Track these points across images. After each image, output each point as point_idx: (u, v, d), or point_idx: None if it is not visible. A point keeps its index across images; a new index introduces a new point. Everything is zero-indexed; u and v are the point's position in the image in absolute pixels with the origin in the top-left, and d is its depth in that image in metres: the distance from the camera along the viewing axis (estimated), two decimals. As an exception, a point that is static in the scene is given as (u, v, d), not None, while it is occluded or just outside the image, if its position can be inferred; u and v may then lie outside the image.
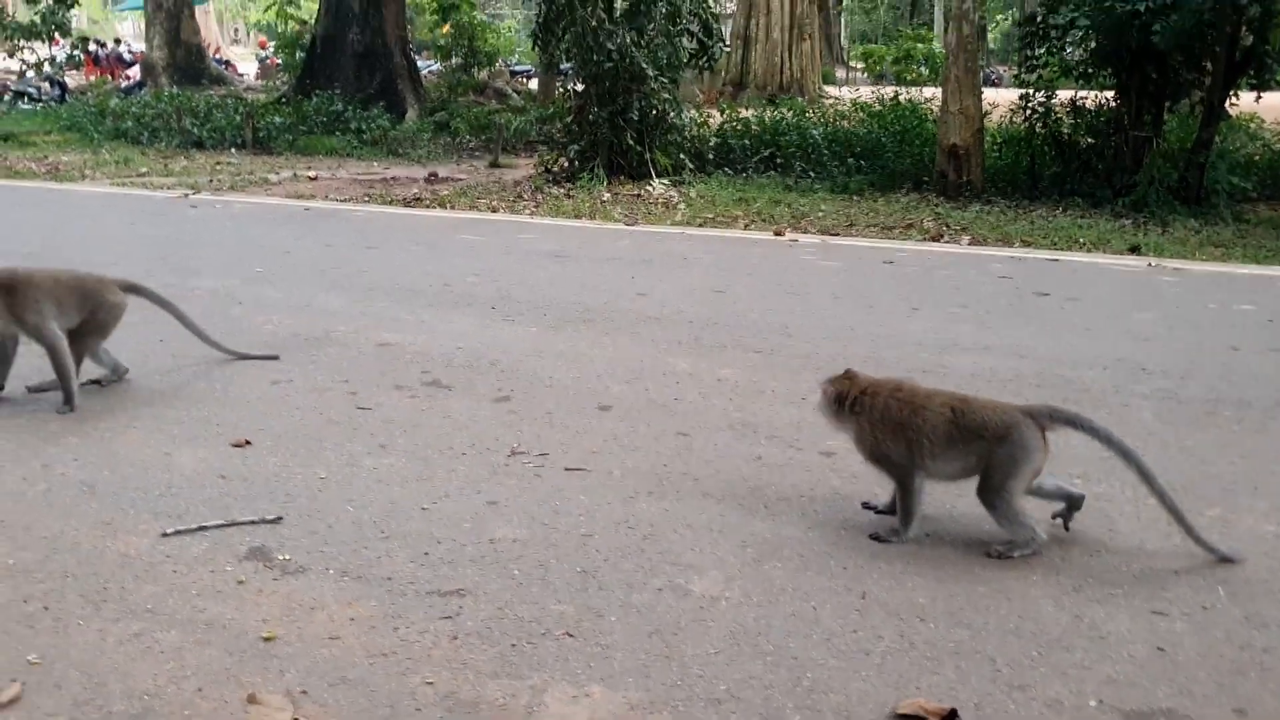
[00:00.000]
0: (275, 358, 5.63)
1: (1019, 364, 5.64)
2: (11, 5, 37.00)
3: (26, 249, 8.31)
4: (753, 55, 28.79)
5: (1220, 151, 12.27)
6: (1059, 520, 3.71)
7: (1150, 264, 8.73)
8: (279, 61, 30.80)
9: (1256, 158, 13.60)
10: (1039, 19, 13.62)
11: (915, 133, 14.83)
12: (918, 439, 3.56)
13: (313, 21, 25.24)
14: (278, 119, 19.50)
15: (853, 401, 3.70)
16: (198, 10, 33.11)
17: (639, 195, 12.91)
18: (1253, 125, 14.93)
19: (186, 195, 12.65)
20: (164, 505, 3.82)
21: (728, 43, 20.89)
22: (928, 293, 7.48)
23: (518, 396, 5.07)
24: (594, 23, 13.65)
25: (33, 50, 29.25)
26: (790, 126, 15.70)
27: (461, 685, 2.78)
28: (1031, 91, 13.23)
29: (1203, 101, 12.41)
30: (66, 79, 28.13)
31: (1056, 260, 8.90)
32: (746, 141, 15.49)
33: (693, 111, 15.90)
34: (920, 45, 34.28)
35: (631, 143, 13.95)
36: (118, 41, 41.56)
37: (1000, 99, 14.97)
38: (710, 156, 15.08)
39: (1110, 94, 12.88)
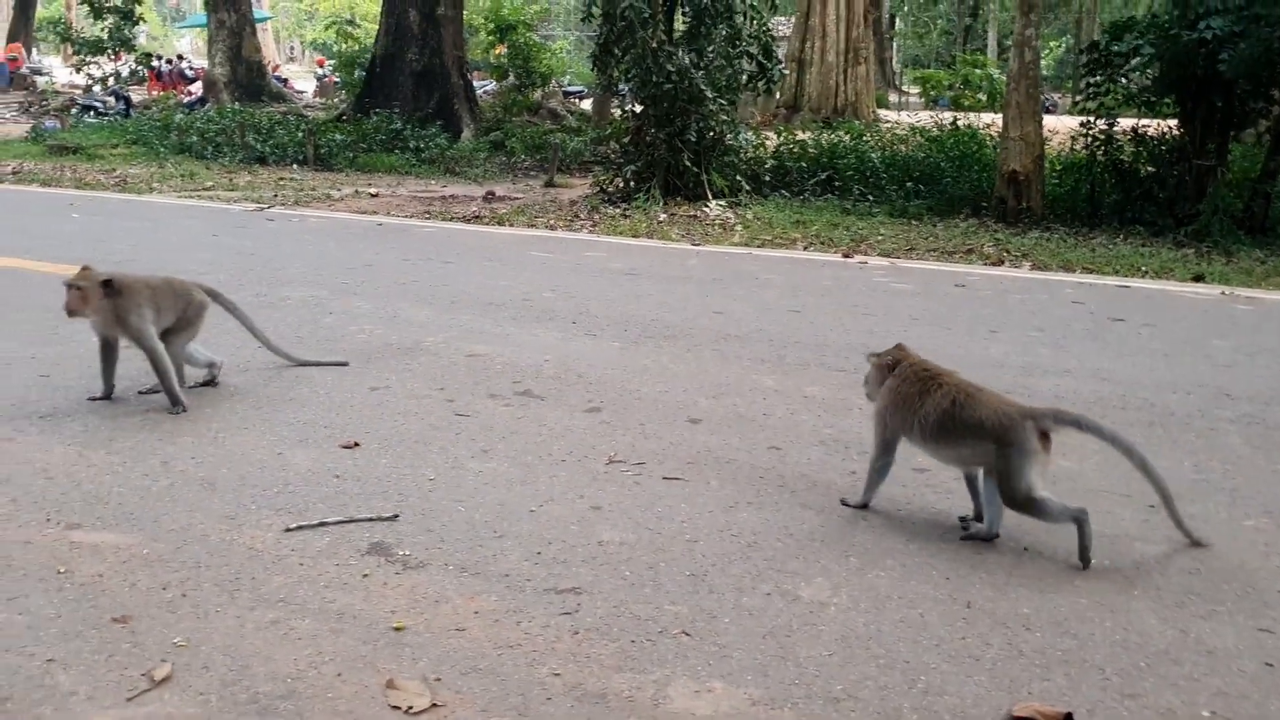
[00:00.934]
0: (344, 364, 5.81)
1: (1100, 387, 5.70)
2: (78, 21, 37.93)
3: (117, 256, 8.57)
4: (807, 78, 28.92)
5: (1288, 181, 12.23)
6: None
7: (1223, 292, 8.73)
8: (337, 80, 31.32)
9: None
10: (1101, 46, 13.65)
11: (974, 158, 14.84)
12: (913, 417, 3.80)
13: (372, 42, 25.64)
14: (338, 136, 19.83)
15: (893, 367, 3.96)
16: (257, 28, 33.74)
17: (695, 216, 13.02)
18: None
19: (262, 209, 12.94)
20: (283, 502, 3.98)
21: (785, 66, 21.03)
22: (1003, 316, 7.55)
23: (608, 408, 5.20)
24: (654, 44, 13.81)
25: (98, 65, 30.07)
26: (848, 150, 15.77)
27: (587, 677, 2.90)
28: (1092, 119, 13.25)
29: (1270, 130, 12.37)
30: (130, 94, 28.74)
31: (1127, 287, 8.92)
32: (803, 164, 15.56)
33: (749, 133, 15.99)
34: (978, 71, 34.21)
35: (688, 164, 14.05)
36: (180, 57, 42.43)
37: (1055, 126, 14.97)
38: (766, 178, 15.18)
39: (1173, 122, 12.87)
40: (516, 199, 15.14)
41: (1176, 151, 12.59)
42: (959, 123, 16.85)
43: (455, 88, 22.67)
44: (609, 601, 3.29)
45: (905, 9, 53.57)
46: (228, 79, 28.92)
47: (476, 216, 13.07)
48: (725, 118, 14.35)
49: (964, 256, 10.59)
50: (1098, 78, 13.39)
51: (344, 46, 28.94)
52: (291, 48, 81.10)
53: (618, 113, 18.41)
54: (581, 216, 13.13)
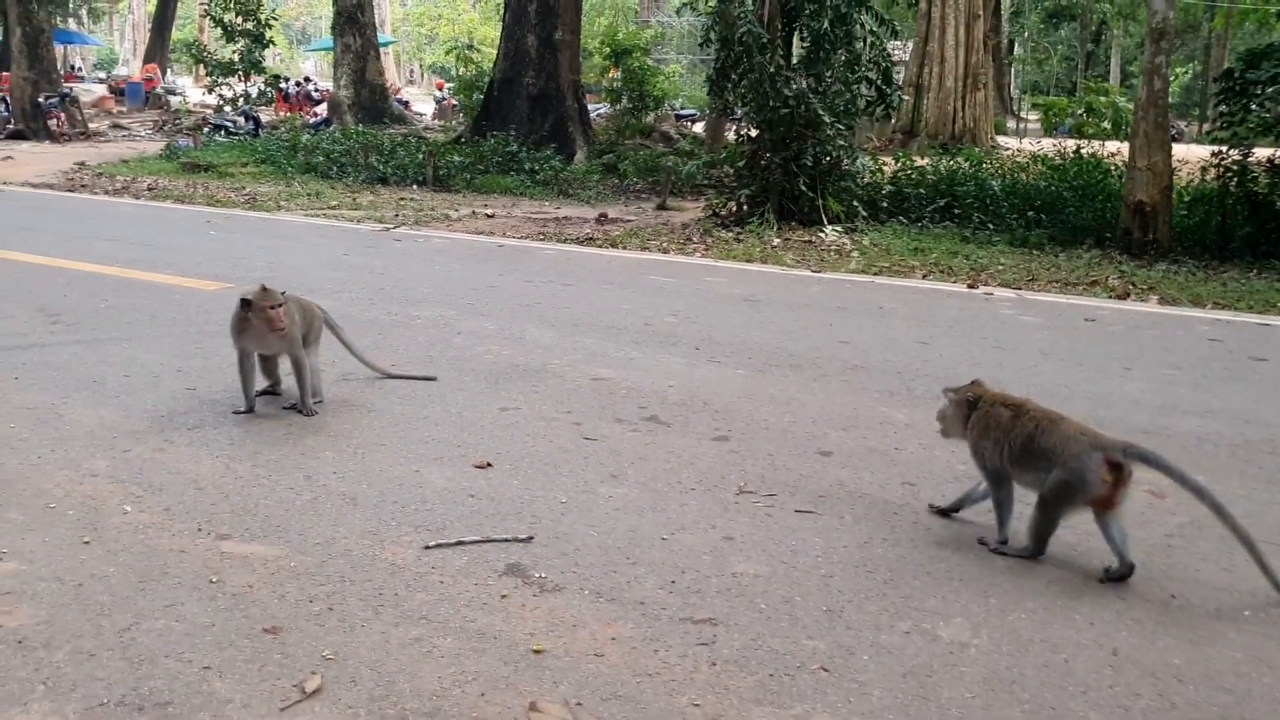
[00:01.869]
0: (433, 378, 5.98)
1: (1246, 430, 5.50)
2: (211, 44, 39.47)
3: (256, 273, 8.88)
4: (925, 103, 28.65)
5: None
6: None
7: (1373, 333, 8.37)
8: (455, 102, 31.99)
9: None
10: (1235, 74, 13.24)
11: (1098, 187, 14.49)
12: (1005, 443, 3.87)
13: (490, 65, 26.15)
14: (456, 158, 20.22)
15: (974, 405, 4.05)
16: (380, 52, 34.72)
17: (809, 241, 12.94)
18: None
19: (388, 229, 13.28)
20: (421, 519, 4.07)
21: (903, 91, 20.86)
22: (1136, 353, 7.33)
23: (736, 436, 5.20)
24: (772, 69, 13.82)
25: (229, 86, 31.25)
26: (967, 176, 15.52)
27: (727, 709, 2.89)
28: (1225, 148, 12.84)
29: None
30: (259, 114, 29.76)
31: (1268, 325, 8.60)
32: (921, 190, 15.35)
33: (867, 158, 15.86)
34: (1103, 98, 33.43)
35: (804, 189, 13.98)
36: (306, 79, 43.88)
37: (1182, 155, 14.53)
38: (884, 204, 15.02)
39: (1313, 154, 12.42)
40: (629, 221, 15.25)
41: (1316, 183, 12.14)
42: (1082, 151, 16.48)
43: (570, 111, 22.98)
44: (746, 634, 3.29)
45: (1025, 35, 52.63)
46: (351, 101, 29.84)
47: (589, 238, 13.20)
48: (843, 143, 14.27)
49: (1087, 288, 10.34)
50: (1231, 106, 13.00)
51: (463, 70, 29.53)
52: (412, 71, 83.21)
53: (732, 136, 18.42)
54: (694, 240, 13.16)
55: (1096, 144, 18.50)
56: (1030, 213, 14.21)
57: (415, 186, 19.07)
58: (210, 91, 32.92)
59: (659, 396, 5.83)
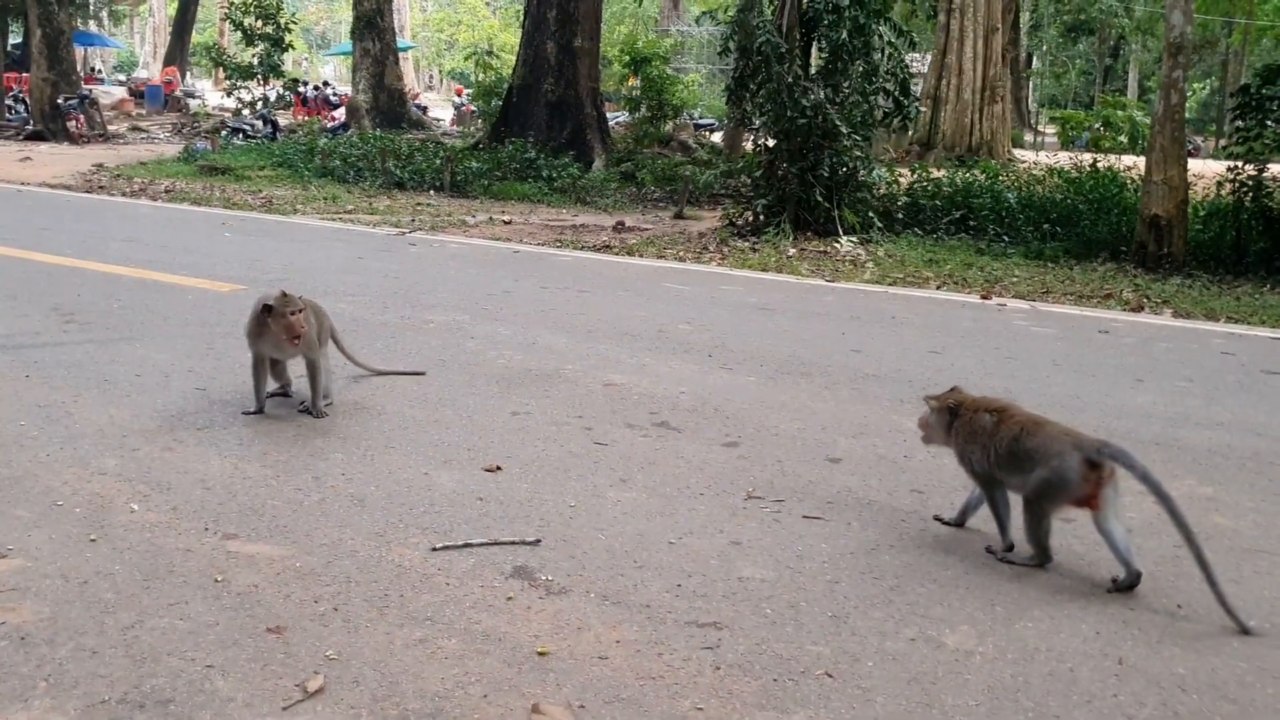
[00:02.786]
0: (422, 373, 6.10)
1: (1258, 443, 5.47)
2: (230, 47, 39.73)
3: (270, 275, 8.93)
4: (942, 115, 28.61)
5: None
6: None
7: (1387, 349, 8.32)
8: (474, 108, 32.08)
9: None
10: (1252, 89, 13.21)
11: (1114, 201, 14.46)
12: (991, 446, 3.91)
13: (509, 72, 26.22)
14: (474, 164, 20.26)
15: (955, 412, 4.09)
16: (399, 57, 34.87)
17: (825, 252, 12.93)
18: None
19: (404, 234, 13.32)
20: (429, 521, 4.08)
21: (921, 102, 20.83)
22: (1149, 365, 7.32)
23: (745, 443, 5.20)
24: (790, 79, 13.83)
25: (248, 89, 31.41)
26: (983, 189, 15.51)
27: (730, 713, 2.89)
28: (1240, 164, 12.80)
29: None
30: (277, 118, 29.91)
31: (1280, 339, 8.58)
32: (937, 202, 15.35)
33: (883, 170, 15.85)
34: (1120, 112, 33.34)
35: (820, 199, 13.98)
36: (325, 84, 44.11)
37: (1198, 170, 14.48)
38: (899, 215, 15.01)
39: (1332, 169, 12.37)
40: (646, 229, 15.27)
41: (1333, 200, 12.08)
42: (1098, 164, 16.44)
43: (588, 118, 23.02)
44: (750, 638, 3.29)
45: (1044, 48, 52.56)
46: (370, 105, 29.97)
47: (606, 246, 13.21)
48: (859, 153, 14.26)
49: (1102, 301, 10.32)
50: (1248, 121, 12.96)
51: (482, 76, 29.63)
52: (430, 76, 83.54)
53: (749, 146, 18.42)
54: (710, 249, 13.17)
55: (1113, 158, 18.46)
56: (1046, 225, 14.19)
57: (432, 192, 19.12)
58: (229, 95, 33.08)
59: (670, 402, 5.83)
